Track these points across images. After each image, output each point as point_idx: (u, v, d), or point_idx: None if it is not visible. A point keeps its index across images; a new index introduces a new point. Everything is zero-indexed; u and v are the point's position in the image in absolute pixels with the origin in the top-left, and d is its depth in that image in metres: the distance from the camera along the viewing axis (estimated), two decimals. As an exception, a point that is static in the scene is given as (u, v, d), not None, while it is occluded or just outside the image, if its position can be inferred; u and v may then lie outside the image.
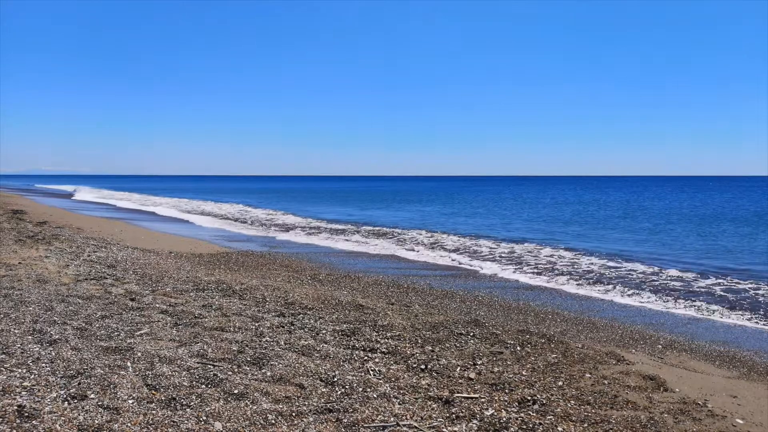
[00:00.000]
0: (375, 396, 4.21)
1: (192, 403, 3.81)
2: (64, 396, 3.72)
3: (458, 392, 4.40)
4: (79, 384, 3.94)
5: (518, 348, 5.74)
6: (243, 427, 3.55)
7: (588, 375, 5.02)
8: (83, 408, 3.56)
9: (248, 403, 3.91)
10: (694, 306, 8.99)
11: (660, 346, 6.58)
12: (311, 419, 3.73)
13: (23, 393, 3.70)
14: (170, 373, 4.31)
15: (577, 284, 10.75)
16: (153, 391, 3.95)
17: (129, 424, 3.42)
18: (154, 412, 3.61)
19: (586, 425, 3.91)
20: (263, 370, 4.59)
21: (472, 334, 6.19)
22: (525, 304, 8.81)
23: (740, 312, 8.61)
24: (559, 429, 3.82)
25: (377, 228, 21.79)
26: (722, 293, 9.98)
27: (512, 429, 3.76)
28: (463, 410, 4.03)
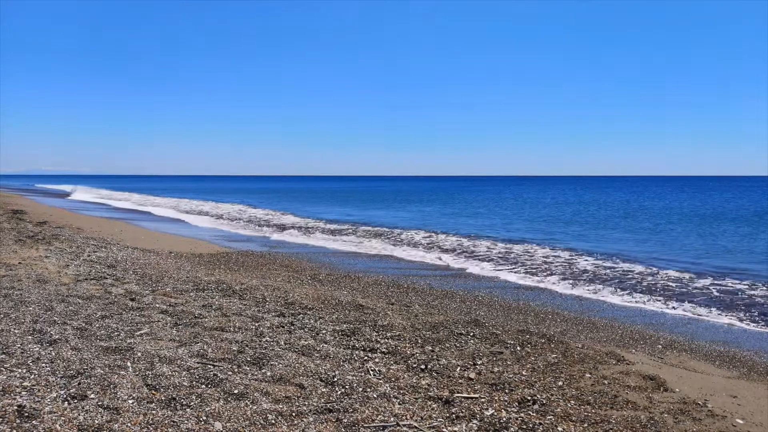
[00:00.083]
0: (375, 396, 4.21)
1: (192, 403, 3.81)
2: (64, 396, 3.72)
3: (458, 392, 4.40)
4: (79, 384, 3.94)
5: (518, 348, 5.74)
6: (243, 427, 3.55)
7: (588, 375, 5.02)
8: (83, 408, 3.56)
9: (248, 403, 3.91)
10: (694, 306, 8.97)
11: (660, 346, 6.58)
12: (311, 419, 3.73)
13: (23, 393, 3.70)
14: (170, 373, 4.31)
15: (577, 284, 10.73)
16: (153, 391, 3.96)
17: (129, 424, 3.42)
18: (154, 412, 3.62)
19: (586, 425, 3.92)
20: (263, 370, 4.59)
21: (472, 334, 6.19)
22: (525, 304, 8.81)
23: (740, 312, 8.59)
24: (559, 429, 3.82)
25: (377, 228, 21.77)
26: (722, 293, 9.96)
27: (512, 429, 3.76)
28: (463, 410, 4.03)
